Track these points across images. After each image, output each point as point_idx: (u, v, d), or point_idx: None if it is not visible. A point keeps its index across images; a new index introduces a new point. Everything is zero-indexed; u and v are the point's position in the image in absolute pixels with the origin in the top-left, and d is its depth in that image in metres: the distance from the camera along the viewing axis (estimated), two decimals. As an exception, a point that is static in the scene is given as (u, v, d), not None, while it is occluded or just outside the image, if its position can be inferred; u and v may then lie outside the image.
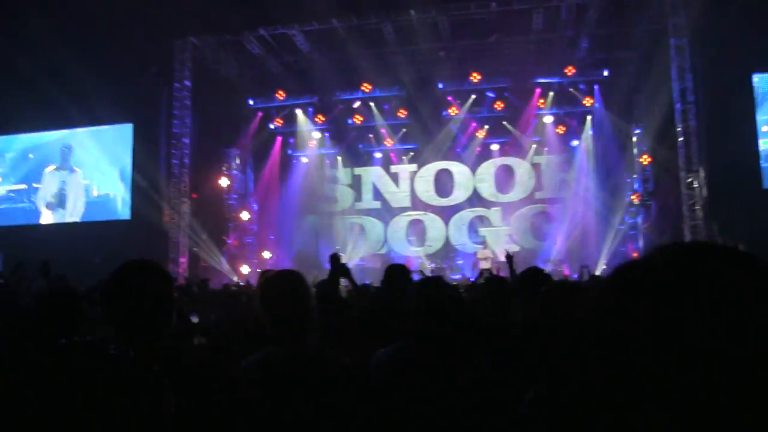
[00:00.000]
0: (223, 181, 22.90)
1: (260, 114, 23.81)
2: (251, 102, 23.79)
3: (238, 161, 23.49)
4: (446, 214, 23.56)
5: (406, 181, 24.16)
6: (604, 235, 21.63)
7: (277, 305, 2.74)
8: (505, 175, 23.68)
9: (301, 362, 2.67)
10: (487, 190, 23.64)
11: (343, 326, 4.34)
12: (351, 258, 21.69)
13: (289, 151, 24.95)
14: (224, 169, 23.09)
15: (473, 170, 23.76)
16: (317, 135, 24.25)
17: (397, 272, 5.17)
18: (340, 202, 24.54)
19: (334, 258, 5.40)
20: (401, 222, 23.88)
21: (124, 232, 21.40)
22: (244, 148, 23.80)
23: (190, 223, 21.00)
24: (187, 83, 21.51)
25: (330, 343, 3.24)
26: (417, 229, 23.68)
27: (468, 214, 23.61)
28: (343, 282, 6.24)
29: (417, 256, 22.66)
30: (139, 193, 22.39)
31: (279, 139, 24.56)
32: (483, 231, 23.14)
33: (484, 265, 19.39)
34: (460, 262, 22.46)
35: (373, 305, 4.90)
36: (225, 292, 9.68)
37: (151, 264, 2.29)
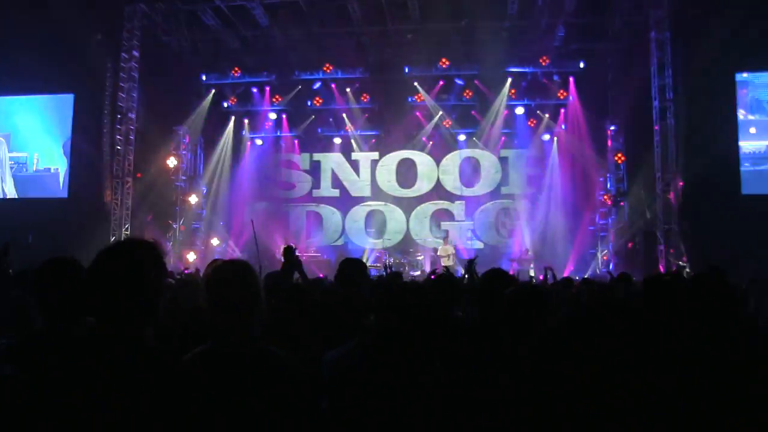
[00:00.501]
0: (171, 161, 21.73)
1: (213, 91, 22.88)
2: (204, 78, 22.90)
3: (187, 140, 22.34)
4: (408, 206, 23.01)
5: (367, 169, 23.48)
6: (573, 235, 21.23)
7: (223, 297, 2.65)
8: (471, 168, 23.05)
9: (244, 360, 2.56)
10: (452, 182, 23.04)
11: (293, 322, 4.20)
12: (307, 249, 21.27)
13: (243, 132, 23.85)
14: (172, 148, 21.93)
15: (437, 161, 23.11)
16: (274, 116, 23.38)
17: (351, 267, 4.97)
18: (296, 189, 23.76)
19: (288, 250, 5.30)
20: (360, 212, 23.26)
21: (60, 210, 20.22)
22: (194, 126, 22.68)
23: (133, 204, 20.06)
24: (135, 53, 20.32)
25: (278, 340, 3.05)
26: (376, 220, 23.08)
27: (430, 206, 23.06)
28: (296, 276, 6.28)
29: (376, 249, 22.22)
30: (78, 169, 21.28)
31: (233, 118, 23.62)
32: (445, 225, 22.60)
33: (446, 262, 18.97)
34: (419, 257, 21.68)
35: (325, 299, 4.75)
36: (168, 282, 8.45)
37: (140, 244, 2.34)
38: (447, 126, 22.71)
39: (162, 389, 2.13)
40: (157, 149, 21.28)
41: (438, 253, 19.91)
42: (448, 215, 23.02)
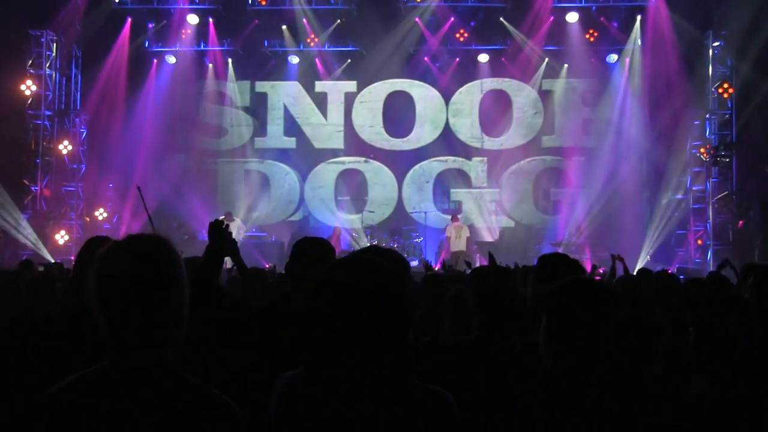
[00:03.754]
0: (27, 87, 18.81)
1: (97, -25, 20.10)
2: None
3: (54, 54, 19.30)
4: (400, 163, 20.46)
5: (339, 107, 20.62)
6: (650, 208, 18.95)
7: (119, 297, 2.03)
8: (498, 107, 20.19)
9: (146, 394, 2.03)
10: (468, 129, 20.34)
11: (222, 335, 3.70)
12: (246, 227, 18.99)
13: (147, 45, 20.68)
14: (29, 66, 18.98)
15: (446, 96, 20.42)
16: (194, 20, 20.06)
17: (312, 250, 3.89)
18: (229, 136, 20.85)
19: (215, 227, 4.04)
20: (328, 173, 20.73)
21: None
22: (67, 32, 19.57)
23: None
24: None
25: (199, 363, 2.59)
26: (353, 185, 20.61)
27: (435, 165, 20.30)
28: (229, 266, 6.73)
29: (352, 228, 19.61)
30: None
31: (129, 21, 20.07)
32: (458, 194, 20.17)
33: (457, 247, 17.34)
34: (418, 239, 19.09)
35: (272, 301, 4.21)
36: (27, 278, 6.32)
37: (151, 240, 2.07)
38: (461, 40, 19.71)
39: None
40: (3, 67, 18.71)
41: (446, 234, 17.94)
42: (462, 179, 20.48)
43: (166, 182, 19.56)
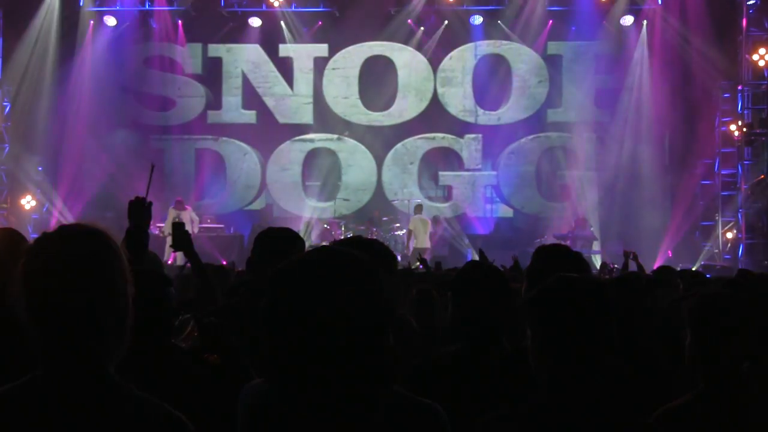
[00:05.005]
0: None
1: None
2: None
3: None
4: (380, 142, 19.15)
5: (308, 74, 19.29)
6: (671, 195, 17.77)
7: (51, 299, 1.92)
8: (494, 75, 18.93)
9: (85, 408, 1.92)
10: (459, 100, 19.15)
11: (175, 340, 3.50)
12: (199, 216, 17.78)
13: (82, 3, 19.00)
14: None
15: (434, 62, 19.04)
16: None
17: (278, 243, 3.72)
18: (178, 109, 19.25)
19: (135, 205, 3.86)
20: (294, 153, 19.42)
21: None
22: None
23: None
24: None
25: (146, 375, 2.38)
26: (323, 167, 19.40)
27: (420, 144, 19.03)
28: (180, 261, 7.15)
29: (321, 219, 18.64)
30: None
31: None
32: (447, 177, 19.06)
33: (423, 244, 16.45)
34: (400, 232, 17.86)
35: (232, 302, 3.88)
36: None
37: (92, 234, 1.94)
38: (450, 1, 18.54)
39: None
40: None
41: (409, 227, 17.17)
42: (453, 160, 19.41)
43: (104, 164, 18.07)
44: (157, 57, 18.75)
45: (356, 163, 18.86)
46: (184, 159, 19.28)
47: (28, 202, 17.77)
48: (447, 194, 18.51)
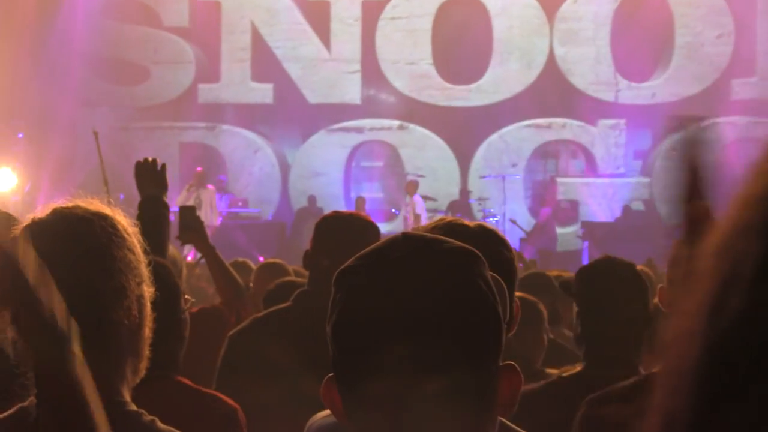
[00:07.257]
0: None
1: None
2: None
3: None
4: (465, 131, 16.35)
5: (352, 27, 16.49)
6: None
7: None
8: (646, 27, 15.80)
9: None
10: (590, 66, 16.68)
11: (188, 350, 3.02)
12: (220, 200, 15.73)
13: None
14: None
15: (550, 6, 16.02)
16: None
17: (348, 232, 3.31)
18: (152, 82, 16.44)
19: (142, 167, 3.59)
20: (334, 148, 16.64)
21: None
22: None
23: None
24: None
25: (149, 394, 2.14)
26: (376, 171, 17.01)
27: (528, 134, 16.18)
28: (190, 254, 6.90)
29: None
30: None
31: None
32: (572, 187, 16.46)
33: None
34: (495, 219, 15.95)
35: (280, 311, 3.59)
36: None
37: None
38: None
39: None
40: None
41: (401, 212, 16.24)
42: (580, 160, 17.42)
43: (97, 138, 15.76)
44: (133, 6, 15.46)
45: (427, 164, 15.53)
46: (161, 158, 15.75)
47: (5, 178, 15.29)
48: (571, 210, 15.21)
